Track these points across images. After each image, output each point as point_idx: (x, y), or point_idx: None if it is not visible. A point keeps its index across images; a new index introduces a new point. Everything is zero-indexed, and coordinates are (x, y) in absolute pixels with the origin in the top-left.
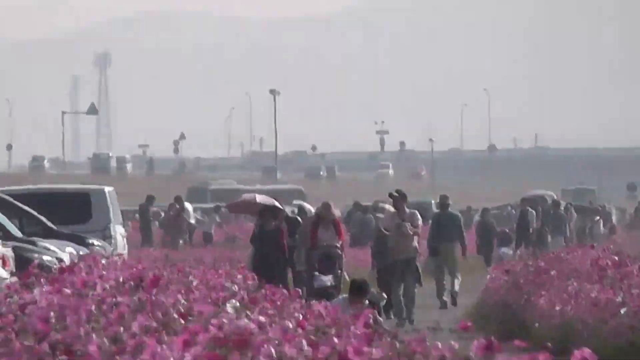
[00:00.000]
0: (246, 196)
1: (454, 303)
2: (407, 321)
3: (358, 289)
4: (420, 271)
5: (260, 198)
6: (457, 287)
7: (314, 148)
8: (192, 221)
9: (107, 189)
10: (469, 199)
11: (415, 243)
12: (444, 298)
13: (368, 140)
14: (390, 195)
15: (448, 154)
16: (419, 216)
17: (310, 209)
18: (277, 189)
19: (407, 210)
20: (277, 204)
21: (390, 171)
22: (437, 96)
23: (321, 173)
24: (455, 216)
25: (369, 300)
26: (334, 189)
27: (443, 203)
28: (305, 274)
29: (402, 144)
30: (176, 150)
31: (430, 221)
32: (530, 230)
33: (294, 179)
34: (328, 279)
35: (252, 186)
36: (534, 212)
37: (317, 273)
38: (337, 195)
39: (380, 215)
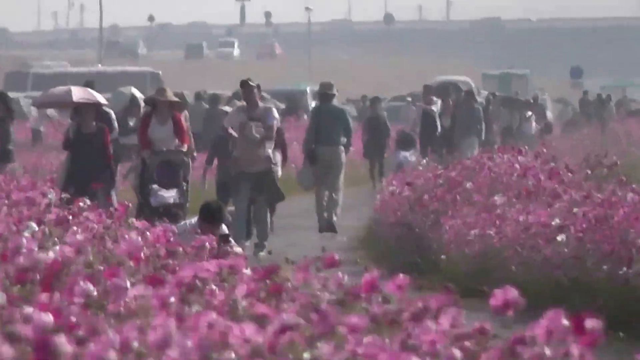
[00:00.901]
0: (58, 90)
1: (333, 230)
2: (260, 252)
3: (211, 215)
4: (278, 190)
5: (77, 92)
6: (338, 211)
7: (151, 19)
8: None
9: None
10: (359, 87)
11: (269, 151)
12: (323, 219)
13: (224, 11)
14: (243, 83)
15: (331, 27)
16: (275, 114)
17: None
18: (126, 72)
19: (260, 105)
20: (101, 99)
21: (236, 50)
22: None
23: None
24: (340, 111)
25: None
26: (195, 71)
27: (324, 93)
28: (136, 189)
29: (267, 15)
30: None
31: (306, 117)
32: (438, 129)
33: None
34: (171, 195)
35: (91, 68)
36: (437, 105)
37: (155, 186)
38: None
39: (228, 109)
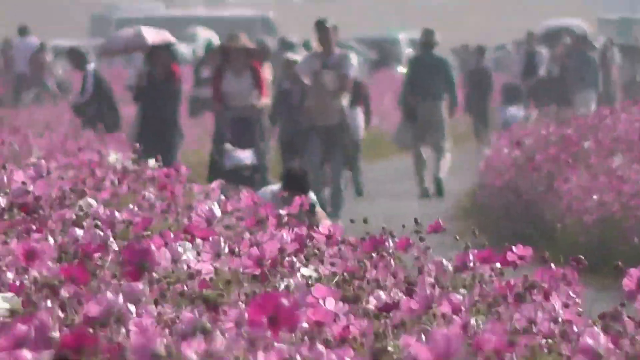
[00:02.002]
0: (125, 33)
1: (439, 192)
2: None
3: (296, 182)
4: (350, 149)
5: (150, 34)
6: (444, 169)
7: None
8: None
9: None
10: (457, 34)
11: (344, 103)
12: (425, 184)
13: None
14: (317, 24)
15: None
16: (353, 61)
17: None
18: (232, 17)
19: (335, 51)
20: (172, 40)
21: None
22: None
23: None
24: (443, 61)
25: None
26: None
27: (426, 41)
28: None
29: None
30: None
31: (401, 68)
32: (538, 75)
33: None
34: (246, 156)
35: (188, 11)
36: (542, 52)
37: (228, 146)
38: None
39: (295, 57)
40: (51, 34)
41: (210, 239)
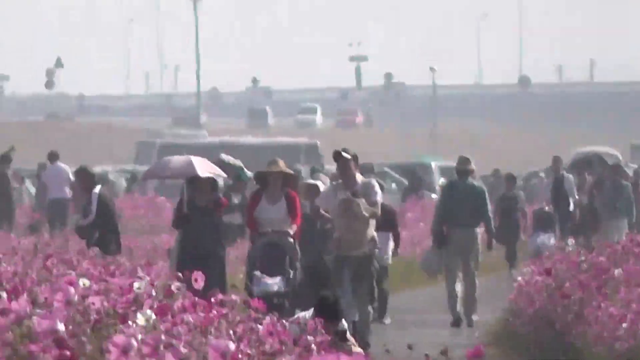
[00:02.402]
0: (175, 160)
1: (469, 322)
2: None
3: (329, 310)
4: (375, 277)
5: (200, 165)
6: (474, 298)
7: (254, 81)
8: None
9: None
10: (490, 160)
11: (373, 231)
12: (457, 311)
13: (338, 72)
14: (336, 155)
15: (458, 90)
16: (377, 189)
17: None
18: (283, 144)
19: (358, 179)
20: (222, 174)
21: (318, 117)
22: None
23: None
24: (479, 190)
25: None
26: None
27: (462, 169)
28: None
29: (388, 76)
30: (50, 85)
31: (433, 195)
32: (571, 206)
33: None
34: (275, 282)
35: (239, 138)
36: (571, 177)
37: (257, 273)
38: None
39: (318, 183)
40: (98, 160)
41: None
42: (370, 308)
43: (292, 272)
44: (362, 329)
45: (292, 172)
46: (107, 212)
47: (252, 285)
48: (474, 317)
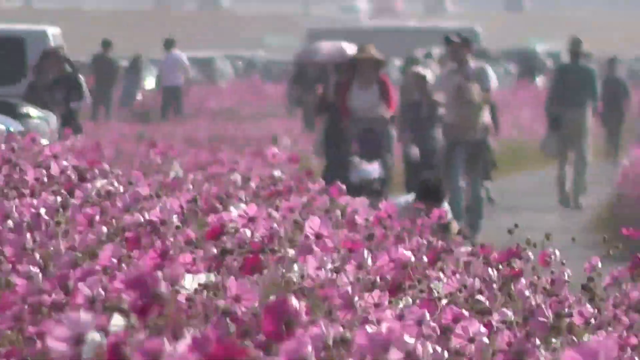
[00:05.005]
0: (326, 45)
1: (577, 204)
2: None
3: (432, 193)
4: (493, 161)
5: (350, 49)
6: (584, 179)
7: None
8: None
9: (51, 30)
10: (601, 44)
11: (487, 118)
12: (566, 192)
13: None
14: (447, 39)
15: None
16: (490, 73)
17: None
18: (441, 29)
19: (472, 64)
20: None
21: (361, 3)
22: None
23: None
24: (589, 71)
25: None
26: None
27: (575, 50)
28: (333, 160)
29: None
30: None
31: (547, 78)
32: None
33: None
34: (374, 169)
35: (399, 22)
36: None
37: (355, 159)
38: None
39: (425, 72)
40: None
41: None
42: (481, 190)
43: (389, 157)
44: (473, 213)
45: (382, 58)
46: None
47: (350, 172)
48: (581, 200)
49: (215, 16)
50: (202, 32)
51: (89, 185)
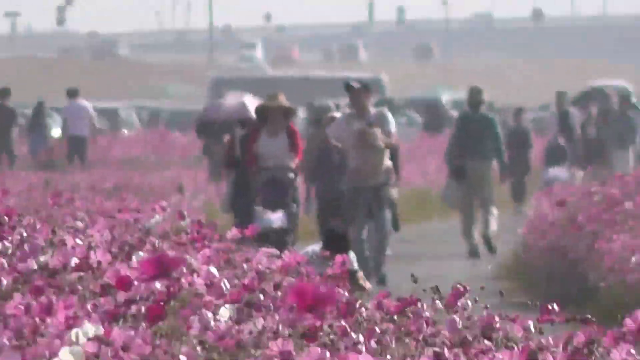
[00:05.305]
0: (229, 101)
1: (490, 249)
2: (377, 280)
3: (338, 243)
4: (396, 207)
5: (253, 105)
6: (493, 227)
7: (268, 17)
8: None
9: None
10: (503, 93)
11: (389, 162)
12: (474, 241)
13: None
14: (347, 86)
15: (471, 24)
16: (391, 118)
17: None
18: (347, 79)
19: (371, 110)
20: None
21: (258, 53)
22: None
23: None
24: (491, 120)
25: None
26: None
27: (474, 100)
28: (241, 210)
29: (400, 10)
30: (61, 21)
31: (448, 128)
32: (574, 136)
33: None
34: (277, 218)
35: (302, 72)
36: (575, 112)
37: (259, 208)
38: None
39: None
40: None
41: None
42: (387, 232)
43: (294, 207)
44: (377, 256)
45: (291, 106)
46: None
47: (255, 220)
48: (490, 233)
49: (113, 64)
50: (102, 81)
51: None
